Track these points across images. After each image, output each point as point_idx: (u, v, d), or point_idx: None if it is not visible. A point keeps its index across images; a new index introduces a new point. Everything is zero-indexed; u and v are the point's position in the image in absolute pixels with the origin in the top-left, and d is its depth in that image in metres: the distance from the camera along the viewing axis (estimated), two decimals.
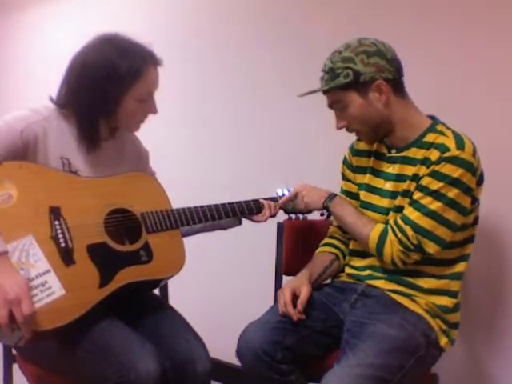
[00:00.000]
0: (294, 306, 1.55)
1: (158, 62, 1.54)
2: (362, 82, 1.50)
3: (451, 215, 1.48)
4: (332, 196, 1.65)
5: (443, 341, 1.55)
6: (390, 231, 1.53)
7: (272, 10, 2.30)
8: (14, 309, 1.28)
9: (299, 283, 1.59)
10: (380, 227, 1.55)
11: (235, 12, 2.42)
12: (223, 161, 2.52)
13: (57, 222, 1.42)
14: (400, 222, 1.51)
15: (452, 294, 1.57)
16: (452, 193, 1.46)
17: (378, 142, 1.65)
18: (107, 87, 1.47)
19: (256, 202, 1.73)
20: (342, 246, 1.74)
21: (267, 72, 2.33)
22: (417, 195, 1.51)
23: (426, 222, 1.48)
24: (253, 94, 2.38)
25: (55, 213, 1.42)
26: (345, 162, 1.77)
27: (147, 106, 1.55)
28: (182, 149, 2.65)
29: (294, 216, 1.79)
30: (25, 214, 1.39)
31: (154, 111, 1.57)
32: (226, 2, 2.46)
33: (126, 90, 1.48)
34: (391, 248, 1.51)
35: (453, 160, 1.45)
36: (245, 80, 2.40)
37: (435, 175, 1.47)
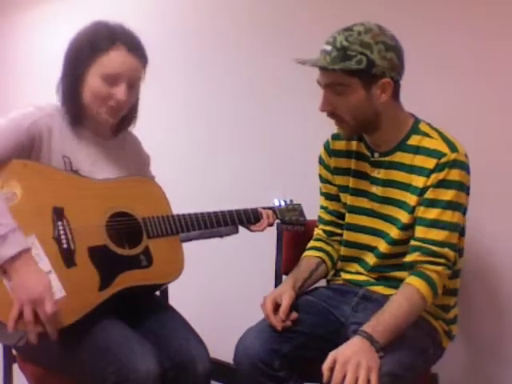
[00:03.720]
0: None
1: (130, 45, 1.50)
2: (371, 74, 1.41)
3: (464, 220, 1.49)
4: (370, 338, 1.34)
5: (445, 342, 1.56)
6: (427, 267, 1.43)
7: (274, 11, 2.29)
8: (38, 308, 1.30)
9: (281, 291, 1.55)
10: (414, 282, 1.41)
11: (237, 13, 2.42)
12: (224, 163, 2.52)
13: (60, 223, 1.42)
14: (435, 248, 1.43)
15: (451, 292, 1.56)
16: (462, 198, 1.45)
17: (357, 139, 1.60)
18: (77, 60, 1.50)
19: (254, 210, 1.72)
20: (328, 248, 1.71)
21: (269, 74, 2.32)
22: (434, 213, 1.44)
23: (454, 238, 1.46)
24: (254, 96, 2.38)
25: (58, 213, 1.42)
26: (321, 162, 1.71)
27: (114, 89, 1.49)
28: (183, 151, 2.65)
29: (290, 227, 1.79)
30: (28, 213, 1.39)
31: (121, 96, 1.49)
32: (227, 2, 2.46)
33: (91, 62, 1.48)
34: (441, 279, 1.44)
35: (453, 164, 1.43)
36: (246, 82, 2.40)
37: (442, 184, 1.43)
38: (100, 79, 1.48)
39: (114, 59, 1.48)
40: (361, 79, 1.42)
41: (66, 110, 1.53)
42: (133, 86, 1.53)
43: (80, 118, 1.55)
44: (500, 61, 1.78)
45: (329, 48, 1.44)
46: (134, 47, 1.51)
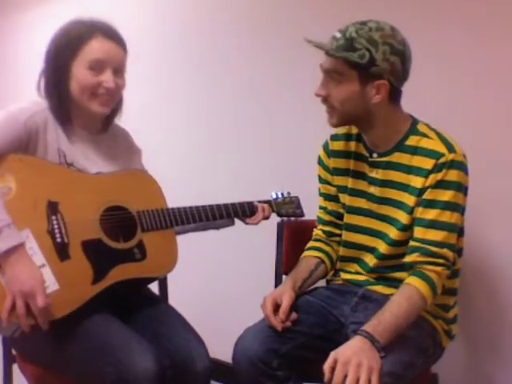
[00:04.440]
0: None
1: (109, 33, 1.54)
2: (370, 72, 1.42)
3: (462, 220, 1.48)
4: (371, 338, 1.33)
5: (445, 341, 1.56)
6: (427, 267, 1.43)
7: (274, 11, 2.29)
8: (30, 301, 1.31)
9: (281, 292, 1.55)
10: (414, 282, 1.41)
11: (237, 13, 2.42)
12: (224, 163, 2.52)
13: (54, 217, 1.43)
14: (433, 248, 1.43)
15: (451, 292, 1.56)
16: (460, 199, 1.45)
17: (355, 139, 1.61)
18: (59, 55, 1.53)
19: (250, 204, 1.73)
20: (327, 248, 1.70)
21: (269, 74, 2.32)
22: (432, 213, 1.44)
23: (452, 238, 1.46)
24: (254, 96, 2.38)
25: (53, 207, 1.43)
26: (320, 163, 1.71)
27: (101, 77, 1.52)
28: (183, 151, 2.65)
29: (285, 219, 1.80)
30: (23, 207, 1.40)
31: (108, 84, 1.51)
32: (227, 2, 2.46)
33: (74, 55, 1.51)
34: (440, 279, 1.44)
35: (451, 165, 1.43)
36: (246, 82, 2.40)
37: (440, 185, 1.43)
38: (86, 69, 1.50)
39: (96, 47, 1.51)
40: (359, 74, 1.43)
41: (55, 107, 1.54)
42: (118, 71, 1.55)
43: (69, 115, 1.55)
44: (500, 61, 1.78)
45: (338, 35, 1.46)
46: (113, 35, 1.55)
